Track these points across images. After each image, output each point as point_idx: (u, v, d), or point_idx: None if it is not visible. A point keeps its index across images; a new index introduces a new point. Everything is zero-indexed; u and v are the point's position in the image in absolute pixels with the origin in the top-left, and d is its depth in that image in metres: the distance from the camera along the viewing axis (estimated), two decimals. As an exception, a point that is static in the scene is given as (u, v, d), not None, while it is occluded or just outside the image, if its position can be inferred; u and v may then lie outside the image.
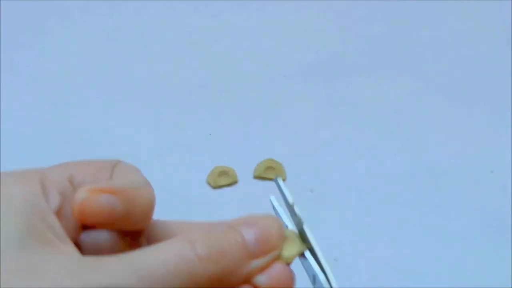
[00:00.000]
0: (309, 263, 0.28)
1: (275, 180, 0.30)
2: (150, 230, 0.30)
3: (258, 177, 0.62)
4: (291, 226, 0.30)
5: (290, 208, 0.29)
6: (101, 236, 0.29)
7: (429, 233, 0.61)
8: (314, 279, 0.28)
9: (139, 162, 0.67)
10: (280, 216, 0.31)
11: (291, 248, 0.28)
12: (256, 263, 0.26)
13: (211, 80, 0.68)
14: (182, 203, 0.59)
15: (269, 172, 0.62)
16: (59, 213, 0.27)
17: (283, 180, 0.62)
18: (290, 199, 0.29)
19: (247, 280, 0.26)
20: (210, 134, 0.65)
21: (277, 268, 0.27)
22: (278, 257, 0.27)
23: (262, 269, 0.27)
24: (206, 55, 0.70)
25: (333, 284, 0.28)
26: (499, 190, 0.63)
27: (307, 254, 0.28)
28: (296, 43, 0.71)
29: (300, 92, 0.68)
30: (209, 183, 0.62)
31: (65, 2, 0.73)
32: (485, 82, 0.69)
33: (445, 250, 0.60)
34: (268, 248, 0.27)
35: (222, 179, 0.62)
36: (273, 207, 0.31)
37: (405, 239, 0.60)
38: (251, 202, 0.61)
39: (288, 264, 0.27)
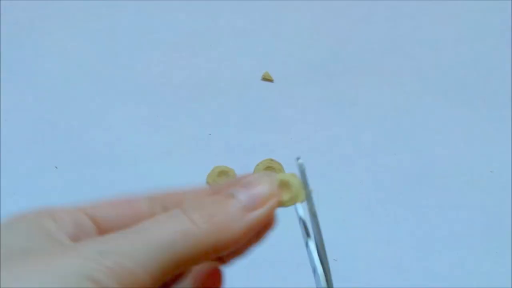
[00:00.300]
0: (312, 255, 0.30)
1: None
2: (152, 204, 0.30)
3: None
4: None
5: (307, 194, 0.31)
6: None
7: (429, 233, 0.61)
8: (314, 271, 0.30)
9: (139, 162, 0.67)
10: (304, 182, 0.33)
11: (290, 193, 0.30)
12: (253, 214, 0.28)
13: (211, 80, 0.68)
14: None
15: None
16: (72, 237, 0.28)
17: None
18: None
19: (249, 230, 0.28)
20: (210, 134, 0.65)
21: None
22: (276, 205, 0.29)
23: (264, 218, 0.28)
24: (206, 55, 0.70)
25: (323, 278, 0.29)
26: (499, 190, 0.63)
27: (311, 246, 0.30)
28: (296, 43, 0.71)
29: (300, 92, 0.68)
30: (209, 183, 0.62)
31: (65, 2, 0.73)
32: (485, 82, 0.69)
33: (445, 250, 0.60)
34: (262, 201, 0.29)
35: (222, 179, 0.62)
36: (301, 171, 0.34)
37: (405, 239, 0.60)
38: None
39: (287, 206, 0.30)
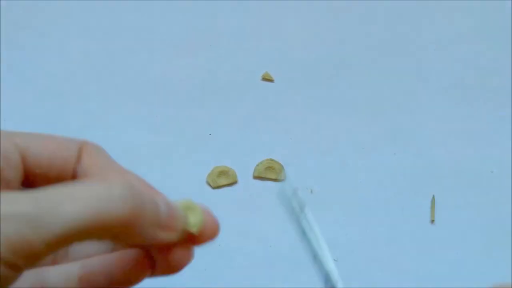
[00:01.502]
0: (321, 263, 0.30)
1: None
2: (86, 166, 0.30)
3: (258, 177, 0.62)
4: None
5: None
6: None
7: (429, 233, 0.61)
8: (326, 278, 0.30)
9: (139, 162, 0.67)
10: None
11: (195, 216, 0.30)
12: (164, 234, 0.27)
13: (211, 80, 0.68)
14: (182, 203, 0.59)
15: (269, 172, 0.62)
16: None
17: (283, 180, 0.62)
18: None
19: (151, 245, 0.27)
20: (210, 134, 0.65)
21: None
22: (184, 233, 0.29)
23: (171, 242, 0.28)
24: (206, 55, 0.70)
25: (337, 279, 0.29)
26: (499, 190, 0.63)
27: (320, 254, 0.30)
28: (296, 43, 0.71)
29: (300, 92, 0.68)
30: (209, 183, 0.62)
31: (65, 2, 0.73)
32: (485, 82, 0.69)
33: (445, 250, 0.60)
34: (175, 223, 0.28)
35: (222, 179, 0.62)
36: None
37: (405, 239, 0.60)
38: (251, 202, 0.61)
39: (196, 231, 0.29)
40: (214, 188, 0.62)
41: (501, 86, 0.69)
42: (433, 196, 0.62)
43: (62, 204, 0.24)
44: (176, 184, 0.61)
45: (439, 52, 0.71)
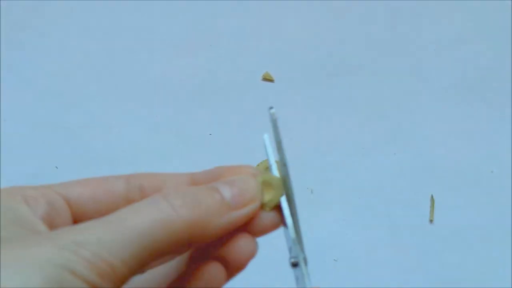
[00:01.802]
0: (288, 234, 0.30)
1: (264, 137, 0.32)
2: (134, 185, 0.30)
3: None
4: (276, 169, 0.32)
5: (278, 145, 0.31)
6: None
7: (429, 233, 0.61)
8: (290, 250, 0.30)
9: (139, 162, 0.67)
10: (269, 156, 0.33)
11: (271, 194, 0.29)
12: (236, 213, 0.27)
13: (211, 80, 0.68)
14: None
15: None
16: (46, 218, 0.27)
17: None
18: (279, 137, 0.31)
19: (229, 229, 0.27)
20: (210, 134, 0.65)
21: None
22: (258, 208, 0.29)
23: (243, 219, 0.28)
24: (206, 55, 0.70)
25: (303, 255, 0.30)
26: (499, 190, 0.63)
27: (288, 224, 0.30)
28: (296, 43, 0.71)
29: (301, 92, 0.68)
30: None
31: (65, 2, 0.73)
32: (485, 82, 0.69)
33: (445, 250, 0.60)
34: (245, 201, 0.28)
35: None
36: (265, 146, 0.34)
37: (405, 239, 0.60)
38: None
39: (270, 209, 0.29)
40: (214, 188, 0.62)
41: (501, 86, 0.69)
42: (432, 196, 0.62)
43: (126, 219, 0.24)
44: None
45: (439, 52, 0.71)
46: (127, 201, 0.29)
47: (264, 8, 0.73)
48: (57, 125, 0.65)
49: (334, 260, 0.58)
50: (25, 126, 0.65)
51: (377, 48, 0.71)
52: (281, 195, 0.30)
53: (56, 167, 0.62)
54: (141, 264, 0.25)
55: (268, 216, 0.30)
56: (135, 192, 0.30)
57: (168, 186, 0.30)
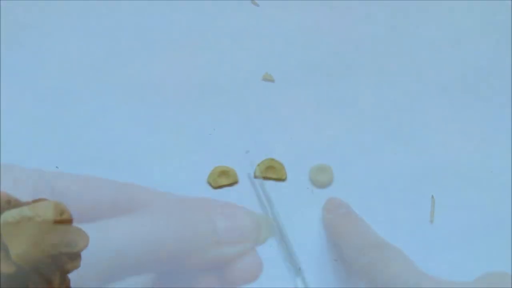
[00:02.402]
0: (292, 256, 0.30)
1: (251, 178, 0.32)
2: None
3: (259, 177, 0.62)
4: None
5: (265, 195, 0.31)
6: None
7: (429, 233, 0.61)
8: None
9: (139, 162, 0.67)
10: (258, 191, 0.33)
11: (264, 232, 0.30)
12: (228, 250, 0.27)
13: (211, 80, 0.68)
14: (182, 203, 0.59)
15: (269, 172, 0.62)
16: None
17: (284, 180, 0.62)
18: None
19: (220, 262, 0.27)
20: (210, 134, 0.65)
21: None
22: (251, 247, 0.29)
23: (236, 256, 0.27)
24: (206, 55, 0.70)
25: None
26: (499, 190, 0.63)
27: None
28: (296, 43, 0.71)
29: (300, 92, 0.68)
30: (209, 183, 0.62)
31: (65, 2, 0.73)
32: (485, 82, 0.69)
33: (445, 250, 0.60)
34: (240, 238, 0.28)
35: (223, 179, 0.62)
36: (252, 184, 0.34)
37: (404, 239, 0.60)
38: (252, 202, 0.61)
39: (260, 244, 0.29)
40: (214, 188, 0.62)
41: (501, 86, 0.69)
42: (432, 196, 0.62)
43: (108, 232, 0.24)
44: (176, 184, 0.61)
45: (439, 52, 0.71)
46: (113, 208, 0.29)
47: (264, 8, 0.73)
48: (57, 125, 0.65)
49: (334, 260, 0.58)
50: (25, 126, 0.65)
51: (377, 48, 0.71)
52: (271, 234, 0.30)
53: (56, 167, 0.62)
54: None
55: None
56: (123, 202, 0.30)
57: (156, 205, 0.30)
